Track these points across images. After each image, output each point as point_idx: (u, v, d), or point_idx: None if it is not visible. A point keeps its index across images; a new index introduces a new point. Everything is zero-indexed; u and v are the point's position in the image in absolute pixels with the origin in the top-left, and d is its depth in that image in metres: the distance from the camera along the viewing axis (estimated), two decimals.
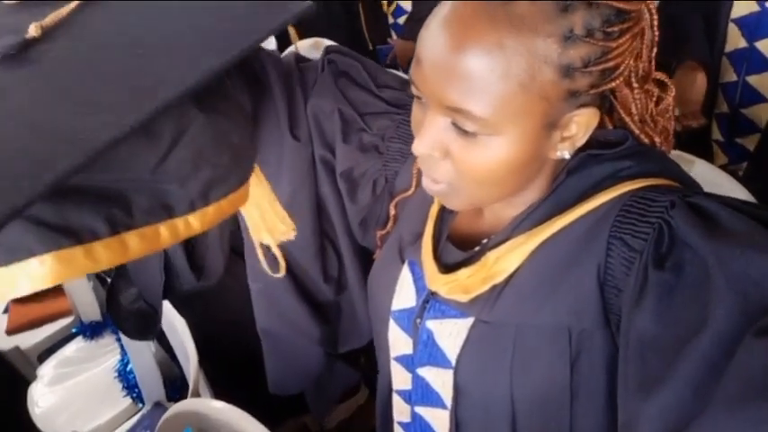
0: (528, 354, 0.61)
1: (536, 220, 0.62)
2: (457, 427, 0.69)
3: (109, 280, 1.59)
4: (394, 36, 2.74)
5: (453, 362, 0.66)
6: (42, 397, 1.65)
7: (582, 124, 0.57)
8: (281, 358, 1.16)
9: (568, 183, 0.62)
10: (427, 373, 0.70)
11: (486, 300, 0.63)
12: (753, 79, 1.52)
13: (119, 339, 1.71)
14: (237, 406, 1.00)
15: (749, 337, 0.42)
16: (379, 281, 0.80)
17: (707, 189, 0.60)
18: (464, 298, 0.64)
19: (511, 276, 0.62)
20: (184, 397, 1.24)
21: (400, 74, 0.96)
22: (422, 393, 0.72)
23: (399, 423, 0.81)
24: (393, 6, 2.69)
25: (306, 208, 0.93)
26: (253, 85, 0.83)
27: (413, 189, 0.79)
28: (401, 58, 2.50)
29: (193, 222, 0.61)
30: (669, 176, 0.61)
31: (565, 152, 0.59)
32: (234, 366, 1.43)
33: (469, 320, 0.65)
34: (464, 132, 0.55)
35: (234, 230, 1.04)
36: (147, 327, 0.98)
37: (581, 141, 0.59)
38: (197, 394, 1.23)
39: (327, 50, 0.90)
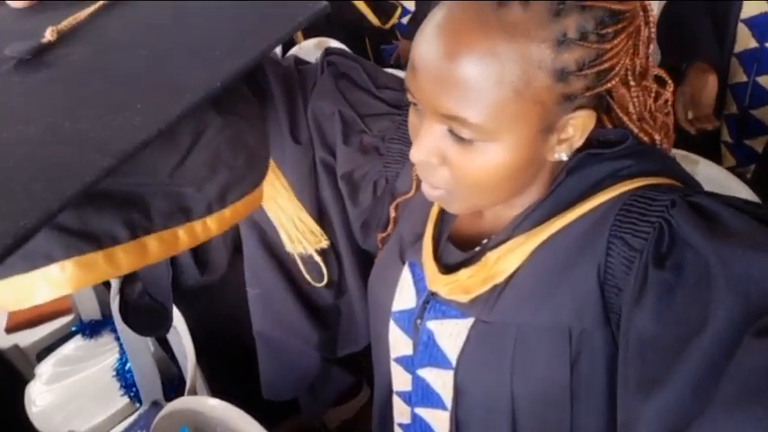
0: (528, 354, 0.61)
1: (536, 220, 0.62)
2: (457, 428, 0.69)
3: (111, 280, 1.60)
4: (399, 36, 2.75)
5: (454, 362, 0.65)
6: (40, 395, 1.64)
7: (578, 126, 0.57)
8: (276, 363, 1.15)
9: (568, 182, 0.62)
10: (428, 373, 0.70)
11: (487, 300, 0.63)
12: (763, 80, 1.51)
13: (118, 338, 1.71)
14: (235, 405, 0.99)
15: (749, 337, 0.42)
16: (380, 282, 0.80)
17: (711, 189, 0.60)
18: (464, 298, 0.64)
19: (511, 276, 0.62)
20: (182, 396, 1.23)
21: (401, 74, 0.96)
22: (422, 394, 0.72)
23: (399, 425, 0.80)
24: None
25: (307, 210, 0.93)
26: (252, 88, 0.83)
27: (413, 191, 0.79)
28: (405, 58, 2.51)
29: (211, 225, 0.61)
30: (669, 175, 0.61)
31: (562, 154, 0.59)
32: (232, 365, 1.43)
33: (470, 321, 0.64)
34: (460, 139, 0.55)
35: (236, 226, 1.03)
36: (156, 322, 0.97)
37: (578, 143, 0.58)
38: (194, 392, 1.22)
39: (327, 52, 0.90)
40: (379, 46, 2.73)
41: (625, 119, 0.61)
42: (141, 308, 0.92)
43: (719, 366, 0.43)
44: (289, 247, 0.84)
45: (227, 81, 0.52)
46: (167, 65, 0.56)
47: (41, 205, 0.42)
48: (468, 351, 0.64)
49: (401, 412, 0.79)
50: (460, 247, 0.68)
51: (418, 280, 0.72)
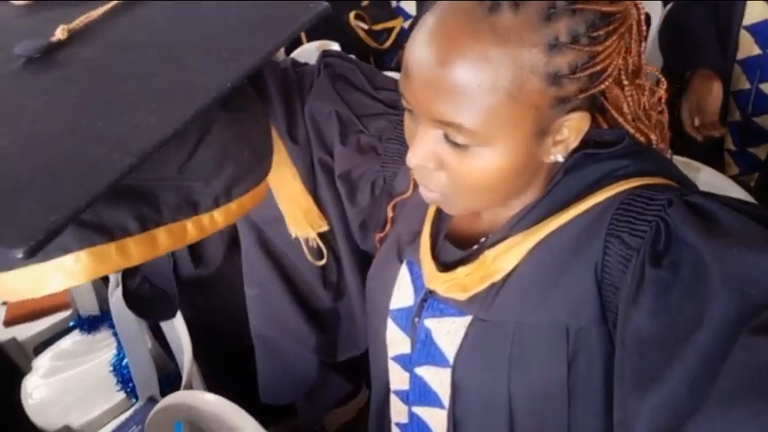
0: (526, 352, 0.61)
1: (533, 219, 0.62)
2: (455, 427, 0.69)
3: (108, 274, 1.60)
4: None
5: (451, 360, 0.65)
6: (36, 389, 1.64)
7: (573, 128, 0.57)
8: (274, 366, 1.15)
9: (565, 182, 0.62)
10: (425, 372, 0.70)
11: (485, 298, 0.63)
12: (766, 87, 1.50)
13: (116, 334, 1.71)
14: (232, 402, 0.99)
15: (744, 334, 0.42)
16: (378, 280, 0.80)
17: None
18: (462, 296, 0.64)
19: (509, 275, 0.62)
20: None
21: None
22: (419, 393, 0.72)
23: (397, 424, 0.80)
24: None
25: None
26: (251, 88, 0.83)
27: (410, 191, 0.79)
28: None
29: (218, 218, 0.63)
30: (666, 176, 0.61)
31: (558, 156, 0.59)
32: (230, 364, 1.43)
33: (467, 319, 0.65)
34: (456, 144, 0.55)
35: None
36: (159, 308, 1.00)
37: (574, 144, 0.59)
38: (190, 388, 1.22)
39: (324, 54, 0.90)
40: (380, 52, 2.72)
41: (620, 119, 0.62)
42: (143, 296, 0.95)
43: (715, 364, 0.43)
44: (291, 228, 0.84)
45: (237, 81, 0.53)
46: (177, 65, 0.57)
47: (70, 202, 0.44)
48: (465, 349, 0.64)
49: (398, 411, 0.78)
50: (458, 245, 0.69)
51: (416, 278, 0.72)
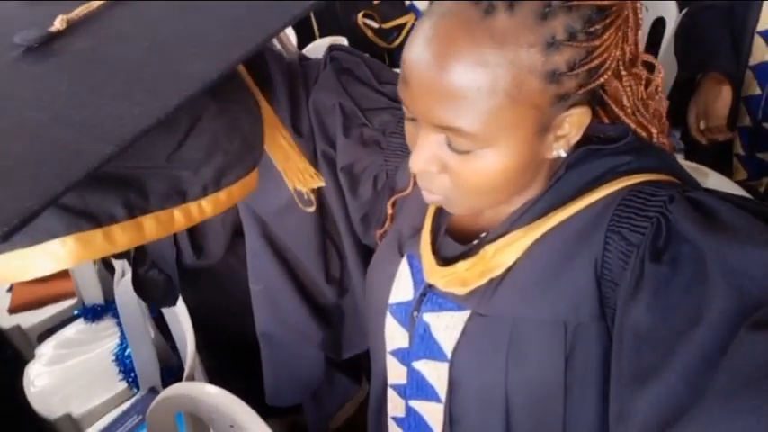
0: (523, 347, 0.61)
1: (535, 214, 0.62)
2: (451, 421, 0.69)
3: (114, 264, 1.61)
4: None
5: (449, 355, 0.65)
6: (39, 376, 1.66)
7: (574, 123, 0.57)
8: (280, 366, 1.15)
9: (567, 178, 0.62)
10: (423, 366, 0.70)
11: (484, 293, 0.63)
12: None
13: (119, 324, 1.72)
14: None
15: (743, 330, 0.42)
16: (378, 274, 0.80)
17: None
18: (461, 291, 0.64)
19: (508, 270, 0.62)
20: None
21: None
22: (417, 387, 0.72)
23: (393, 418, 0.80)
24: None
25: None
26: (256, 80, 0.84)
27: (410, 188, 0.79)
28: None
29: (206, 207, 0.64)
30: (668, 172, 0.61)
31: (560, 151, 0.59)
32: (233, 357, 1.42)
33: (466, 313, 0.65)
34: (458, 148, 0.55)
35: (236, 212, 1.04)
36: (164, 294, 1.02)
37: (575, 138, 0.58)
38: (192, 380, 1.22)
39: (331, 48, 0.91)
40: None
41: (620, 113, 0.61)
42: (151, 281, 0.97)
43: (713, 359, 0.43)
44: (289, 183, 0.85)
45: (224, 72, 0.54)
46: (167, 56, 0.58)
47: (47, 189, 0.45)
48: (463, 344, 0.64)
49: (395, 405, 0.79)
50: (459, 240, 0.69)
51: (416, 272, 0.72)
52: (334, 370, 1.21)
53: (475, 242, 0.67)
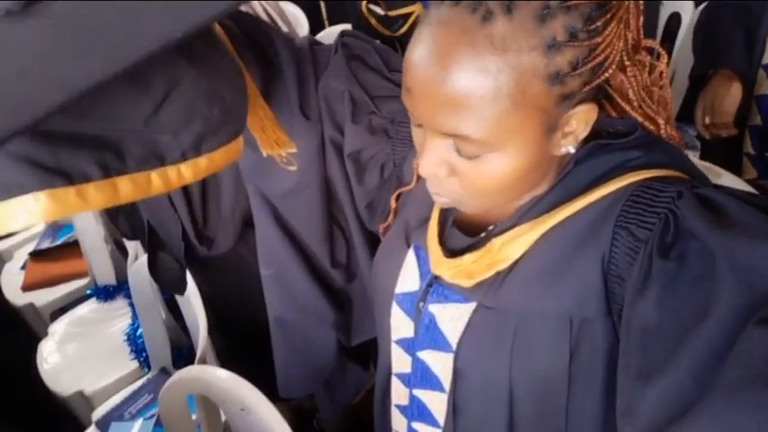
0: (528, 340, 0.61)
1: (542, 208, 0.62)
2: (454, 410, 0.69)
3: (127, 246, 1.63)
4: None
5: (454, 346, 0.66)
6: (51, 354, 1.68)
7: (582, 120, 0.56)
8: (293, 351, 1.15)
9: (576, 172, 0.61)
10: (428, 356, 0.70)
11: (490, 285, 0.63)
12: None
13: (131, 304, 1.74)
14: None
15: (751, 325, 0.42)
16: (384, 264, 0.80)
17: None
18: (468, 283, 0.64)
19: (515, 263, 0.62)
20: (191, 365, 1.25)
21: None
22: (421, 376, 0.72)
23: (397, 406, 0.81)
24: None
25: (314, 188, 0.94)
26: (263, 63, 0.83)
27: (413, 183, 0.79)
28: None
29: (185, 172, 0.64)
30: (678, 167, 0.60)
31: (569, 147, 0.59)
32: (244, 342, 1.44)
33: (472, 305, 0.65)
34: (466, 153, 0.55)
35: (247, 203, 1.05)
36: (175, 281, 1.05)
37: (583, 134, 0.58)
38: (204, 363, 1.24)
39: (342, 34, 0.90)
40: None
41: (627, 107, 0.61)
42: (165, 265, 1.00)
43: (721, 354, 0.43)
44: (263, 150, 0.85)
45: (189, 32, 0.54)
46: (135, 15, 0.57)
47: None
48: (468, 335, 0.65)
49: (399, 394, 0.79)
50: (466, 232, 0.69)
51: (423, 263, 0.72)
52: (346, 358, 1.21)
53: (482, 235, 0.67)
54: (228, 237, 1.09)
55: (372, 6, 2.13)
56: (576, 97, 0.54)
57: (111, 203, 0.59)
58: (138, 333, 1.66)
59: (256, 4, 1.26)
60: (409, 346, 0.74)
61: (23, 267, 2.04)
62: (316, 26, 2.44)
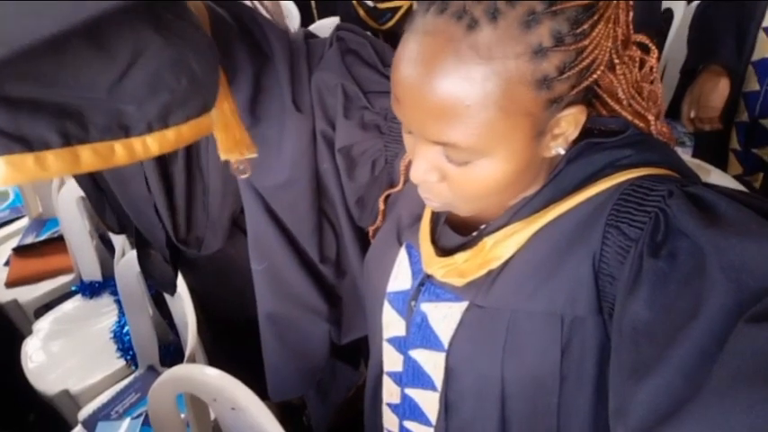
0: (520, 339, 0.61)
1: (534, 207, 0.62)
2: (447, 409, 0.70)
3: (114, 242, 1.61)
4: None
5: (446, 345, 0.66)
6: (36, 352, 1.66)
7: (571, 122, 0.56)
8: (284, 348, 1.14)
9: (567, 171, 0.61)
10: (419, 355, 0.70)
11: (482, 284, 0.63)
12: None
13: (117, 301, 1.72)
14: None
15: (741, 323, 0.42)
16: (376, 262, 0.80)
17: None
18: (459, 282, 0.65)
19: (507, 262, 0.62)
20: (178, 363, 1.24)
21: None
22: (413, 375, 0.72)
23: (388, 404, 0.81)
24: None
25: (305, 181, 0.93)
26: (256, 54, 0.83)
27: (401, 185, 0.79)
28: None
29: (151, 144, 0.63)
30: (669, 166, 0.60)
31: (559, 149, 0.59)
32: (233, 340, 1.42)
33: (464, 304, 0.65)
34: (456, 160, 0.55)
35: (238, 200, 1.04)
36: (166, 281, 1.04)
37: (573, 135, 0.58)
38: (193, 361, 1.23)
39: (338, 28, 0.89)
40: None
41: (617, 107, 0.61)
42: (156, 261, 0.98)
43: (711, 353, 0.43)
44: (222, 154, 0.82)
45: None
46: None
47: None
48: (460, 334, 0.65)
49: (390, 393, 0.79)
50: (458, 230, 0.69)
51: (414, 262, 0.72)
52: (336, 358, 1.20)
53: (474, 234, 0.67)
54: (218, 237, 1.08)
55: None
56: (565, 100, 0.53)
57: (71, 172, 0.59)
58: (124, 330, 1.65)
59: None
60: (401, 344, 0.74)
61: (7, 263, 2.01)
62: (306, 19, 2.43)
